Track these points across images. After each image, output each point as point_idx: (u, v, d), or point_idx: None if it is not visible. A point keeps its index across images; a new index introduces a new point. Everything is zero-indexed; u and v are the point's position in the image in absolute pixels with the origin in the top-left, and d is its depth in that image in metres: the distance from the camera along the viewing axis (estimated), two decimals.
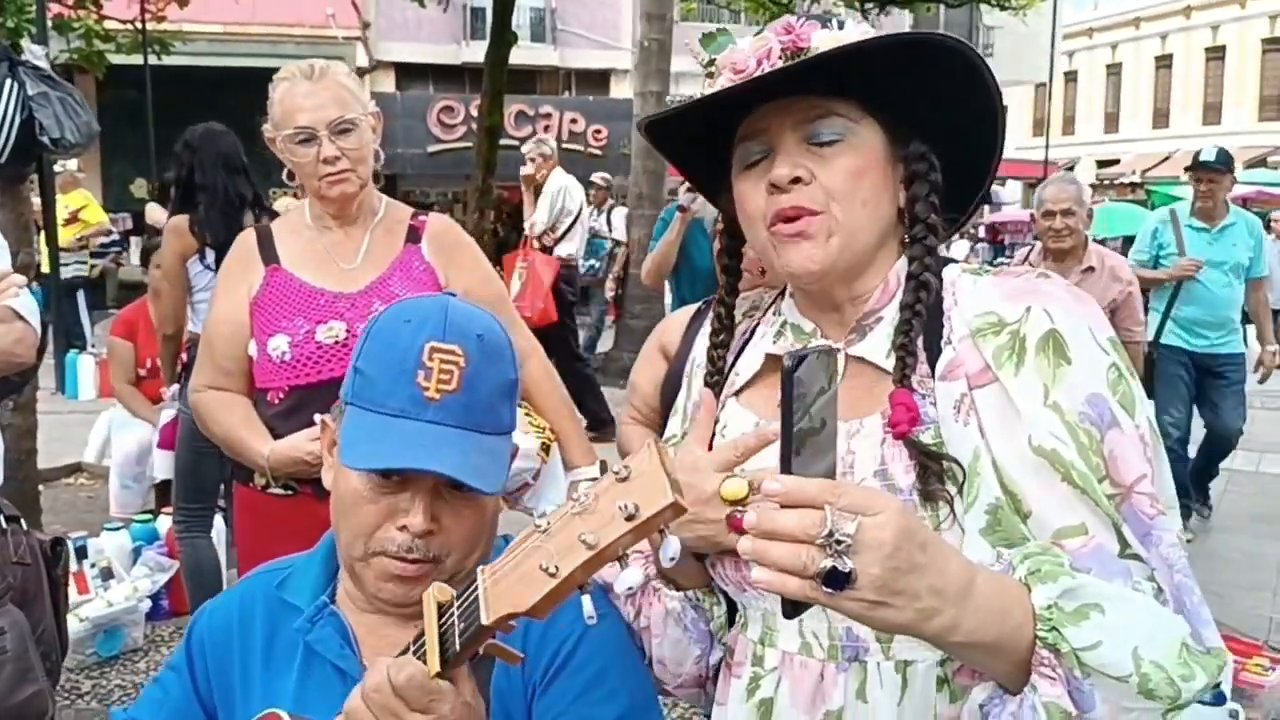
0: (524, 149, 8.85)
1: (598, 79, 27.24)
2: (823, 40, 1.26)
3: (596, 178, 12.08)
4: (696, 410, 1.49)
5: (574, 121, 22.34)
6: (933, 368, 1.26)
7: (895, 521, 0.96)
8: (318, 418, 2.48)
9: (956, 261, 1.38)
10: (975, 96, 1.32)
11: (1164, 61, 38.10)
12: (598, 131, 22.12)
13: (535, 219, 8.56)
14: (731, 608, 1.45)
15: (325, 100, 2.58)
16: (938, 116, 1.32)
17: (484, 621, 1.03)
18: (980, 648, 1.03)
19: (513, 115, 19.94)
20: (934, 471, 1.21)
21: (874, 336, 1.33)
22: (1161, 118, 38.12)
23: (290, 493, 2.60)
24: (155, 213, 9.32)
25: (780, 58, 1.27)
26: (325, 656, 1.41)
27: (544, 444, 2.87)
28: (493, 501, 1.40)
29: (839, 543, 0.94)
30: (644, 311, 11.07)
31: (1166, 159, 34.19)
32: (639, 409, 3.17)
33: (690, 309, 3.26)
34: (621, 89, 26.84)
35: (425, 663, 1.11)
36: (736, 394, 1.45)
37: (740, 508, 1.17)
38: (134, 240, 16.54)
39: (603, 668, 1.38)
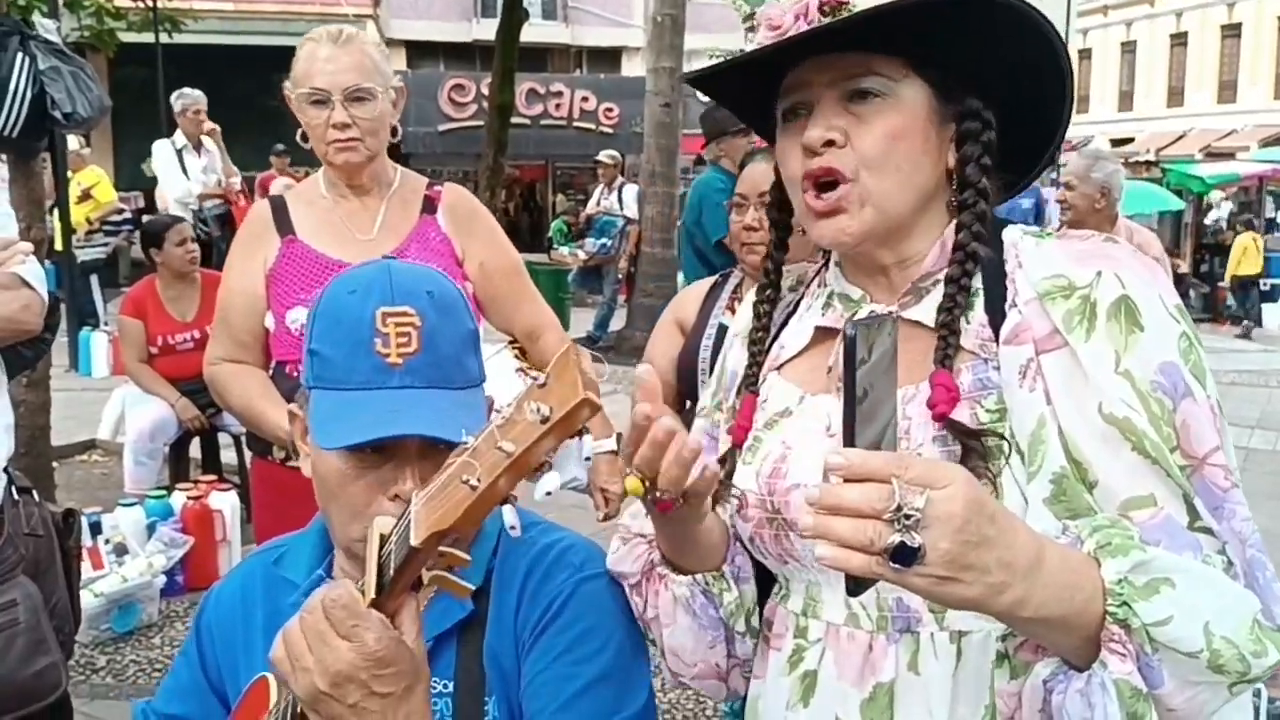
0: None
1: (609, 56, 27.14)
2: None
3: (604, 155, 12.05)
4: (734, 381, 1.46)
5: (585, 100, 22.30)
6: (996, 331, 1.22)
7: (964, 493, 0.93)
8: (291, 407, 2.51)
9: (1014, 222, 1.33)
10: (1034, 53, 1.26)
11: (1179, 39, 37.73)
12: (609, 109, 22.07)
13: None
14: (762, 585, 1.42)
15: (345, 65, 2.55)
16: (993, 73, 1.27)
17: (413, 543, 1.01)
18: (1049, 623, 1.00)
19: (524, 93, 19.91)
20: (975, 450, 1.17)
21: (930, 300, 1.29)
22: (1176, 96, 37.79)
23: None
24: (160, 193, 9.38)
25: (819, 12, 1.22)
26: None
27: None
28: None
29: (907, 517, 0.91)
30: (656, 289, 11.04)
31: (1181, 137, 33.97)
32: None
33: (706, 282, 3.23)
34: (633, 66, 26.74)
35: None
36: (779, 368, 1.42)
37: (656, 493, 1.17)
38: (145, 218, 16.57)
39: (590, 626, 1.35)
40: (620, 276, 12.03)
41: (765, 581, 1.43)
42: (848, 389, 0.98)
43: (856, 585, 0.97)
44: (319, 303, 1.38)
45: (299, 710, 1.16)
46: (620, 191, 11.82)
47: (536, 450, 0.96)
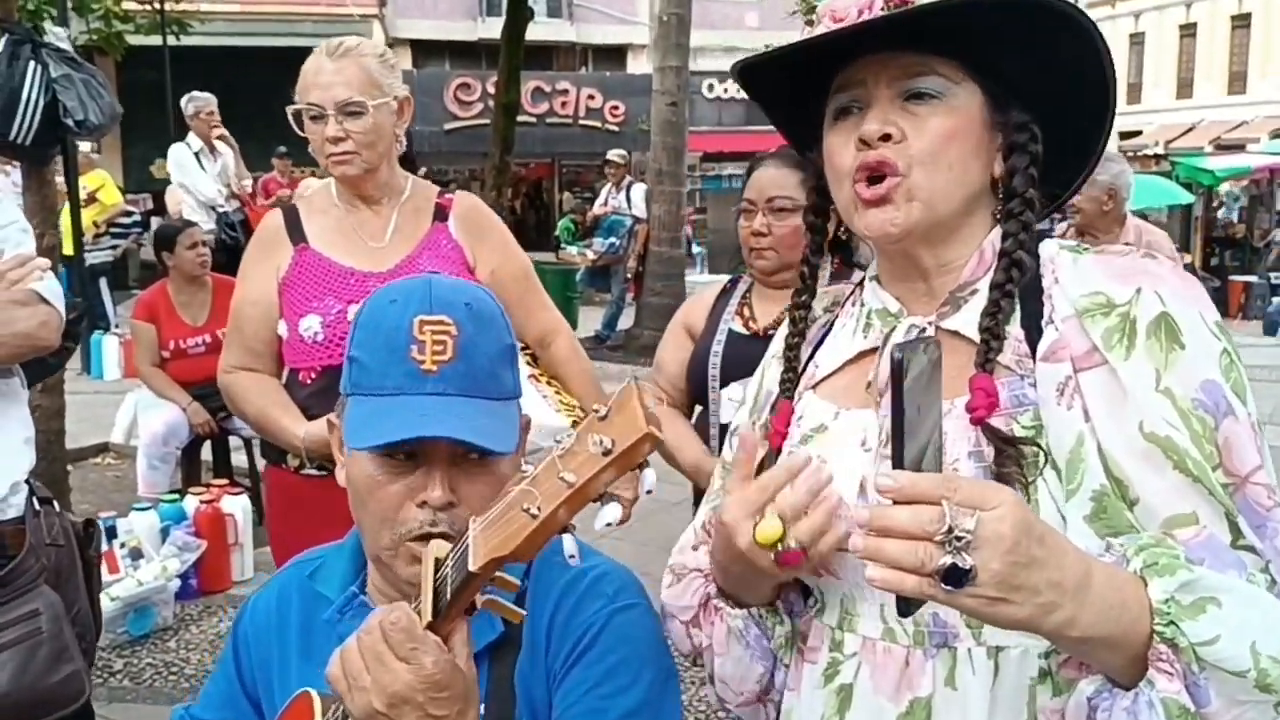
0: None
1: (614, 54, 27.11)
2: None
3: (613, 154, 12.06)
4: (769, 400, 1.47)
5: (591, 98, 22.32)
6: (1033, 348, 1.22)
7: (1013, 515, 0.94)
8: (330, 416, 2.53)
9: (1052, 236, 1.34)
10: (1084, 65, 1.26)
11: (1188, 30, 37.56)
12: (615, 107, 22.10)
13: None
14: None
15: (339, 80, 2.57)
16: (1043, 84, 1.28)
17: (472, 568, 1.03)
18: (1096, 642, 1.01)
19: (529, 92, 19.94)
20: (1010, 456, 1.17)
21: (968, 310, 1.28)
22: (1185, 88, 37.61)
23: (325, 473, 2.57)
24: (171, 196, 9.38)
25: (883, 8, 1.21)
26: None
27: (574, 422, 2.86)
28: (510, 467, 1.38)
29: (958, 539, 0.92)
30: (665, 289, 11.06)
31: (1190, 130, 33.79)
32: (665, 389, 3.15)
33: (714, 287, 3.24)
34: (639, 64, 26.70)
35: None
36: (814, 386, 1.42)
37: (787, 543, 1.16)
38: (154, 221, 16.62)
39: (623, 658, 1.35)
40: (628, 275, 12.03)
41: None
42: (895, 410, 0.99)
43: (908, 605, 0.99)
44: (361, 311, 1.40)
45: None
46: (629, 191, 11.83)
47: (597, 482, 0.99)
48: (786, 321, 1.50)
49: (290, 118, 2.64)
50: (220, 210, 9.03)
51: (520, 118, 11.42)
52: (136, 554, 4.83)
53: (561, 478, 0.99)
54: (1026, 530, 0.95)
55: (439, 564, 1.13)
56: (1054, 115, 1.30)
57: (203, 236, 5.99)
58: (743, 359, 2.91)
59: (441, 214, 2.75)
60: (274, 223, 2.75)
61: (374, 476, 1.33)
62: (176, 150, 9.21)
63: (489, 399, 1.33)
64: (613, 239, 11.32)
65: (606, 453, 0.98)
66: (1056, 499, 1.17)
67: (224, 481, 5.57)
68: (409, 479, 1.32)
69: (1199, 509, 1.12)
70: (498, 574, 1.06)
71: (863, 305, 1.42)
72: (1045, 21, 1.23)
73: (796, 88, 1.37)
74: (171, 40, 14.83)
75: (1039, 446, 1.18)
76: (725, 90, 22.93)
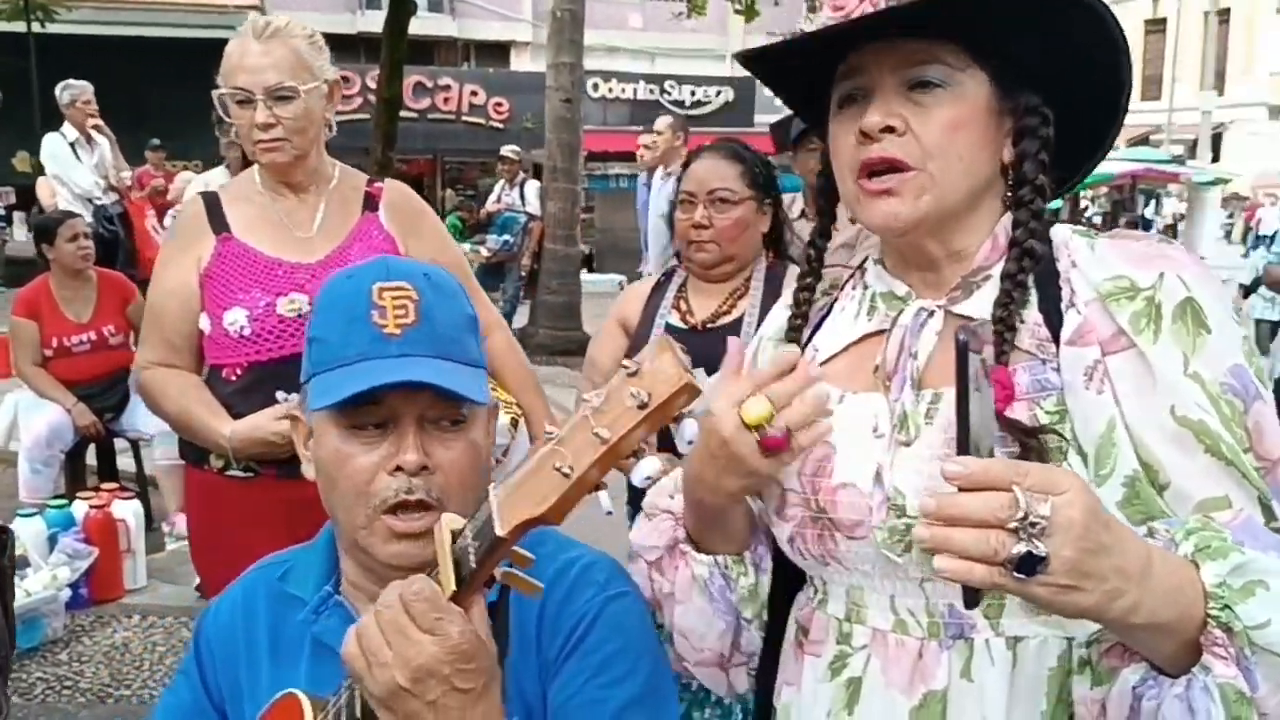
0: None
1: (497, 51, 26.91)
2: None
3: (507, 150, 11.93)
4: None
5: (474, 94, 22.04)
6: (1053, 331, 1.22)
7: (1083, 500, 0.93)
8: (280, 395, 2.40)
9: (1062, 221, 1.33)
10: (1095, 48, 1.25)
11: None
12: (499, 104, 21.86)
13: None
14: (787, 582, 1.40)
15: (268, 64, 2.45)
16: (1052, 66, 1.26)
17: (499, 533, 1.00)
18: (1155, 628, 0.99)
19: (411, 87, 19.56)
20: (1033, 449, 1.16)
21: (981, 295, 1.27)
22: None
23: (251, 474, 2.48)
24: (44, 188, 8.94)
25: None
26: (333, 647, 1.32)
27: (512, 419, 2.81)
28: (482, 437, 1.34)
29: (1033, 525, 0.90)
30: (560, 287, 10.99)
31: None
32: (598, 385, 3.11)
33: (648, 281, 3.21)
34: (522, 61, 26.57)
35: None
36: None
37: (765, 429, 1.13)
38: (17, 215, 15.87)
39: (619, 648, 1.32)
40: (523, 274, 11.91)
41: (786, 585, 1.41)
42: (961, 395, 0.97)
43: (975, 596, 0.96)
44: (318, 296, 1.37)
45: (358, 716, 1.13)
46: (522, 187, 11.72)
47: (633, 436, 0.96)
48: (782, 316, 1.48)
49: (215, 102, 2.51)
50: (98, 203, 8.64)
51: (402, 113, 11.15)
52: (23, 563, 4.56)
53: (595, 433, 0.96)
54: (1095, 515, 0.94)
55: (455, 535, 1.08)
56: (1064, 99, 1.29)
57: (84, 228, 5.70)
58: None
59: (371, 203, 2.65)
60: (194, 211, 2.60)
61: (341, 450, 1.28)
62: (51, 140, 8.78)
63: (455, 361, 1.29)
64: (507, 236, 11.19)
65: (642, 405, 0.95)
66: None
67: (114, 485, 5.32)
68: (380, 449, 1.27)
69: (1231, 492, 1.13)
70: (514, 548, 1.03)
71: (865, 288, 1.40)
72: (1056, 7, 1.22)
73: (803, 70, 1.34)
74: (36, 27, 14.17)
75: (1060, 435, 1.17)
76: (610, 89, 22.89)
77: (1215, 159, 31.52)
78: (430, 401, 1.26)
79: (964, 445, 0.97)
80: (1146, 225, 23.88)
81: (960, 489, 0.94)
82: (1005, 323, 1.22)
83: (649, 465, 0.99)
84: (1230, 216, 28.51)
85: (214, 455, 2.51)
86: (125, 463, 5.99)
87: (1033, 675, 1.19)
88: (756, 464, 1.16)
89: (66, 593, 4.61)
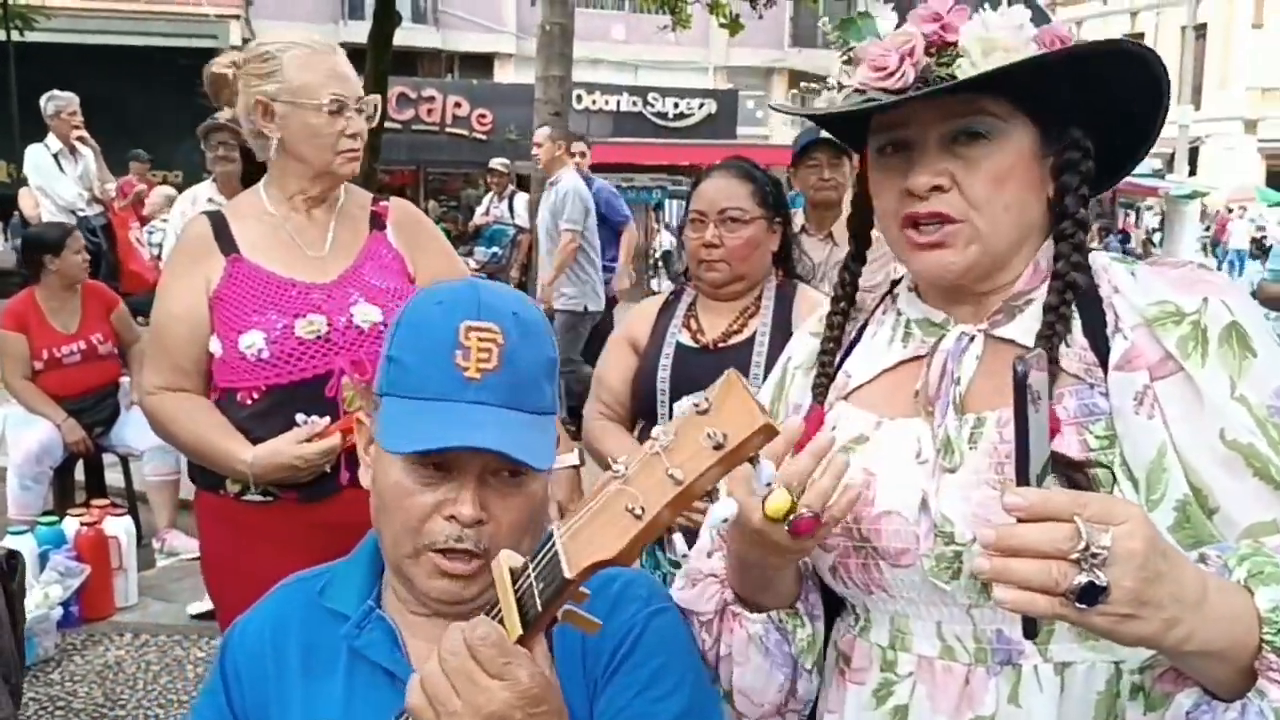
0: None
1: (481, 62, 26.92)
2: (971, 34, 1.19)
3: (496, 163, 11.88)
4: (798, 412, 1.44)
5: (458, 105, 22.05)
6: (1100, 357, 1.22)
7: (1143, 530, 0.93)
8: (300, 418, 2.39)
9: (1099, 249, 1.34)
10: (1139, 92, 1.27)
11: None
12: (482, 115, 21.88)
13: None
14: (825, 609, 1.40)
15: (353, 75, 2.52)
16: (1094, 105, 1.27)
17: (567, 575, 0.98)
18: (1210, 654, 1.00)
19: (394, 98, 19.54)
20: (1080, 484, 1.16)
21: (1024, 319, 1.28)
22: None
23: (270, 499, 2.43)
24: (26, 199, 8.86)
25: (926, 54, 1.20)
26: (375, 661, 1.35)
27: None
28: (541, 488, 1.34)
29: (1094, 556, 0.90)
30: None
31: None
32: (608, 404, 3.10)
33: (657, 300, 3.20)
34: (506, 73, 26.58)
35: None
36: (846, 396, 1.40)
37: (799, 512, 1.14)
38: (30, 227, 15.74)
39: (666, 661, 1.32)
40: (512, 286, 11.85)
41: (825, 612, 1.41)
42: (1020, 425, 0.97)
43: (1034, 626, 0.97)
44: (404, 311, 1.36)
45: None
46: (511, 200, 11.69)
47: (708, 478, 0.94)
48: (811, 344, 1.47)
49: (274, 108, 2.45)
50: (81, 214, 8.56)
51: (385, 124, 11.10)
52: None
53: (669, 474, 0.94)
54: (1154, 545, 0.94)
55: (515, 574, 1.07)
56: (1095, 124, 1.29)
57: (83, 241, 5.66)
58: (692, 372, 2.88)
59: (379, 222, 2.63)
60: (199, 230, 2.54)
61: (402, 484, 1.29)
62: (34, 152, 8.70)
63: (529, 412, 1.30)
64: (495, 248, 11.13)
65: (718, 447, 0.93)
66: None
67: (104, 502, 5.25)
68: (438, 490, 1.28)
69: (1279, 516, 1.13)
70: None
71: (899, 314, 1.40)
72: (1099, 59, 1.23)
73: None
74: (14, 36, 14.05)
75: (1108, 467, 1.17)
76: (593, 101, 22.95)
77: (1192, 172, 31.85)
78: (494, 457, 1.26)
79: (1022, 475, 0.97)
80: (1125, 239, 24.06)
81: (1019, 520, 0.94)
82: (1049, 355, 1.21)
83: (726, 508, 0.97)
84: (1208, 229, 28.78)
85: (229, 480, 2.45)
86: (114, 477, 5.92)
87: (1080, 700, 1.20)
88: (794, 546, 1.19)
89: (58, 611, 4.56)
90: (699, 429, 0.94)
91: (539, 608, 1.02)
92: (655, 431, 0.99)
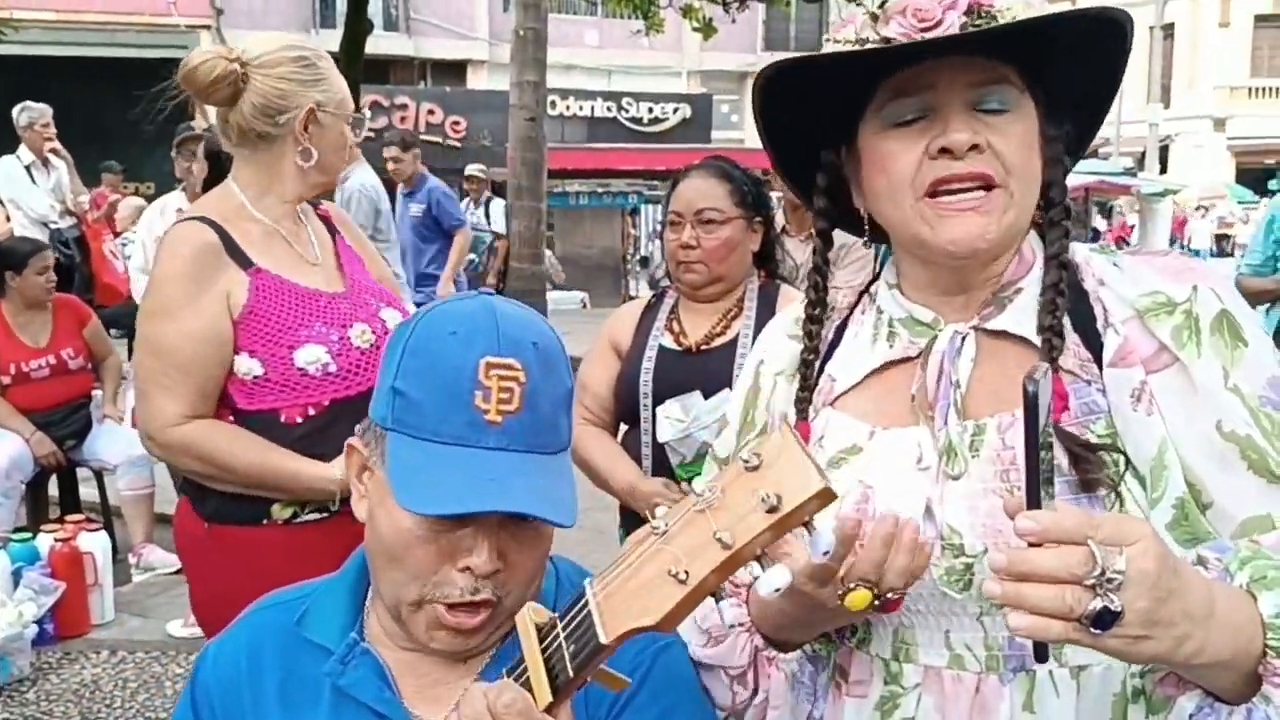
0: None
1: (454, 70, 26.84)
2: None
3: (472, 169, 11.83)
4: (782, 422, 1.39)
5: (431, 113, 21.98)
6: (1093, 352, 1.20)
7: (1155, 549, 0.91)
8: (359, 428, 2.30)
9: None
10: (1101, 73, 1.27)
11: None
12: (456, 122, 21.81)
13: None
14: None
15: None
16: (1069, 91, 1.26)
17: (603, 640, 0.91)
18: (1217, 665, 0.98)
19: (367, 105, 19.45)
20: (1092, 464, 1.14)
21: (1015, 309, 1.25)
22: None
23: (326, 515, 2.32)
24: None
25: (967, 11, 1.16)
26: (361, 701, 1.27)
27: None
28: (553, 529, 1.27)
29: (1109, 580, 0.88)
30: (526, 304, 10.90)
31: None
32: (591, 410, 3.06)
33: (639, 303, 3.17)
34: (479, 80, 26.50)
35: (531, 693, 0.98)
36: (832, 402, 1.35)
37: (886, 598, 1.13)
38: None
39: (676, 700, 1.27)
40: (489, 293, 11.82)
41: None
42: (1030, 446, 0.94)
43: (1044, 650, 0.95)
44: (410, 337, 1.24)
45: None
46: (487, 206, 11.65)
47: (758, 543, 0.88)
48: (792, 348, 1.42)
49: (314, 115, 2.36)
50: (53, 227, 8.44)
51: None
52: None
53: (718, 538, 0.87)
54: (1165, 563, 0.92)
55: (542, 631, 0.99)
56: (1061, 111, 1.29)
57: (52, 261, 5.55)
58: (676, 375, 2.86)
59: (331, 226, 2.59)
60: (206, 240, 2.31)
61: (413, 533, 1.20)
62: (5, 163, 8.56)
63: (548, 454, 1.22)
64: (472, 255, 11.09)
65: (772, 510, 0.86)
66: (1143, 507, 1.15)
67: (79, 517, 5.17)
68: (452, 537, 1.19)
69: (1274, 510, 1.13)
70: None
71: (880, 312, 1.36)
72: (1099, 31, 1.22)
73: (813, 90, 1.28)
74: None
75: (1121, 452, 1.15)
76: (568, 107, 22.91)
77: (1163, 170, 32.11)
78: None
79: (1034, 498, 0.94)
80: (1095, 236, 24.20)
81: (1030, 544, 0.92)
82: (1053, 330, 1.20)
83: (779, 576, 0.90)
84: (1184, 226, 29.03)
85: (277, 506, 2.31)
86: (89, 492, 5.84)
87: (1097, 702, 1.17)
88: (869, 617, 1.20)
89: (33, 629, 4.46)
90: (750, 488, 0.88)
91: (570, 674, 0.95)
92: (698, 484, 0.93)
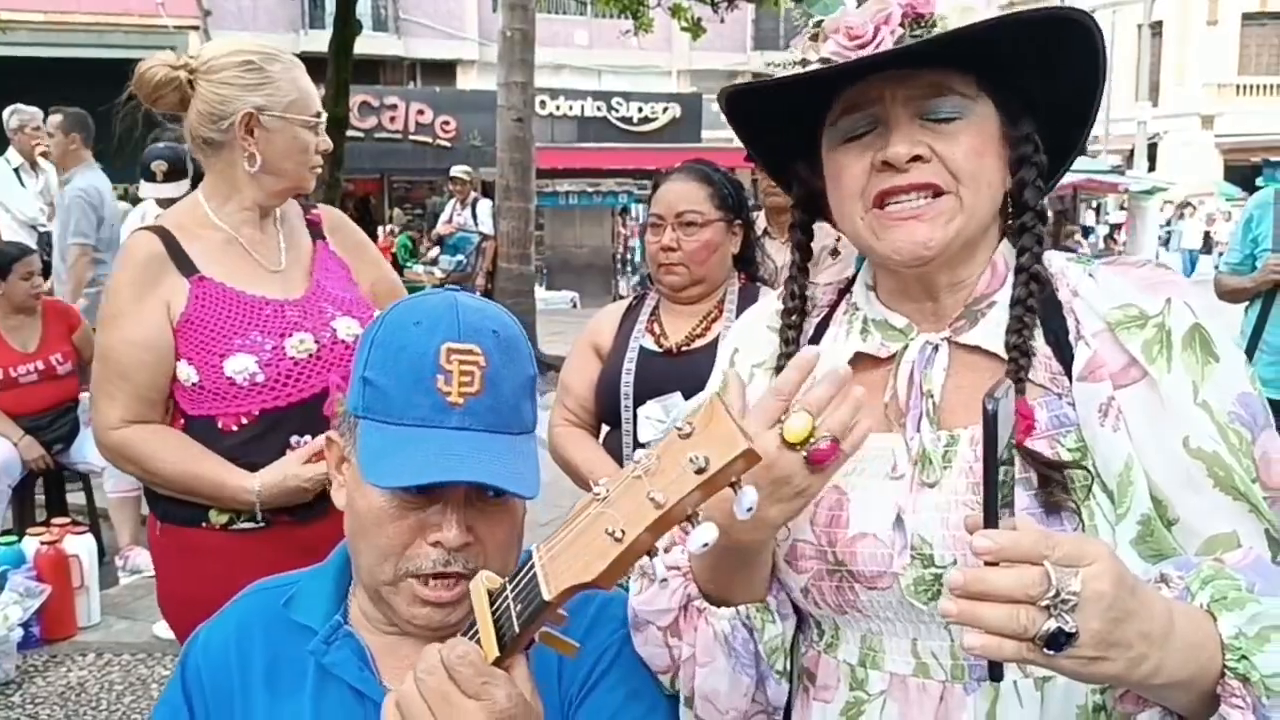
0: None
1: (443, 70, 26.82)
2: (948, 6, 1.18)
3: (458, 170, 11.84)
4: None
5: (421, 113, 21.94)
6: (1065, 365, 1.19)
7: (1111, 570, 0.91)
8: (295, 440, 2.32)
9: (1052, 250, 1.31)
10: (1082, 73, 1.25)
11: None
12: (446, 123, 21.78)
13: None
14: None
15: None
16: (1047, 93, 1.26)
17: (546, 598, 0.97)
18: (1175, 685, 0.98)
19: (356, 106, 19.42)
20: (1056, 481, 1.14)
21: (987, 324, 1.25)
22: None
23: (262, 525, 2.33)
24: None
25: (901, 24, 1.18)
26: (343, 679, 1.33)
27: None
28: (522, 504, 1.33)
29: (1064, 601, 0.89)
30: (514, 306, 10.88)
31: None
32: (573, 411, 3.08)
33: (620, 305, 3.18)
34: (468, 80, 26.49)
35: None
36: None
37: (818, 438, 1.07)
38: None
39: (640, 685, 1.32)
40: (478, 294, 11.82)
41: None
42: (988, 467, 0.95)
43: (999, 669, 0.96)
44: (378, 330, 1.31)
45: None
46: (474, 207, 11.65)
47: (689, 501, 0.93)
48: (769, 343, 1.42)
49: (257, 119, 2.36)
50: (42, 229, 8.43)
51: (348, 133, 11.02)
52: None
53: (651, 498, 0.92)
54: (1122, 583, 0.93)
55: (493, 596, 1.05)
56: (1043, 120, 1.28)
57: (38, 266, 5.54)
58: (656, 376, 2.88)
59: (318, 231, 2.58)
60: (151, 249, 2.34)
61: (384, 509, 1.26)
62: None
63: (511, 434, 1.28)
64: (460, 256, 11.10)
65: (700, 470, 0.92)
66: (1110, 522, 1.15)
67: (65, 520, 5.18)
68: (422, 514, 1.26)
69: (1239, 527, 1.12)
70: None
71: (856, 309, 1.37)
72: (1060, 33, 1.21)
73: (778, 105, 1.31)
74: None
75: (1086, 469, 1.15)
76: (557, 107, 22.89)
77: (1152, 168, 32.16)
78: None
79: (992, 517, 0.95)
80: (1086, 233, 24.25)
81: (987, 562, 0.92)
82: (1021, 349, 1.20)
83: (707, 532, 0.91)
84: (1168, 224, 29.06)
85: (214, 511, 2.34)
86: (75, 495, 5.84)
87: (1060, 715, 1.17)
88: (805, 482, 1.10)
89: (18, 632, 4.47)
90: (681, 452, 0.93)
91: (516, 630, 1.01)
92: (638, 454, 0.98)
